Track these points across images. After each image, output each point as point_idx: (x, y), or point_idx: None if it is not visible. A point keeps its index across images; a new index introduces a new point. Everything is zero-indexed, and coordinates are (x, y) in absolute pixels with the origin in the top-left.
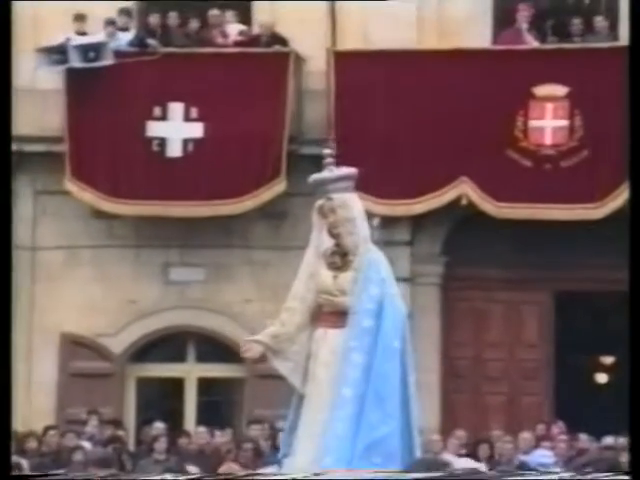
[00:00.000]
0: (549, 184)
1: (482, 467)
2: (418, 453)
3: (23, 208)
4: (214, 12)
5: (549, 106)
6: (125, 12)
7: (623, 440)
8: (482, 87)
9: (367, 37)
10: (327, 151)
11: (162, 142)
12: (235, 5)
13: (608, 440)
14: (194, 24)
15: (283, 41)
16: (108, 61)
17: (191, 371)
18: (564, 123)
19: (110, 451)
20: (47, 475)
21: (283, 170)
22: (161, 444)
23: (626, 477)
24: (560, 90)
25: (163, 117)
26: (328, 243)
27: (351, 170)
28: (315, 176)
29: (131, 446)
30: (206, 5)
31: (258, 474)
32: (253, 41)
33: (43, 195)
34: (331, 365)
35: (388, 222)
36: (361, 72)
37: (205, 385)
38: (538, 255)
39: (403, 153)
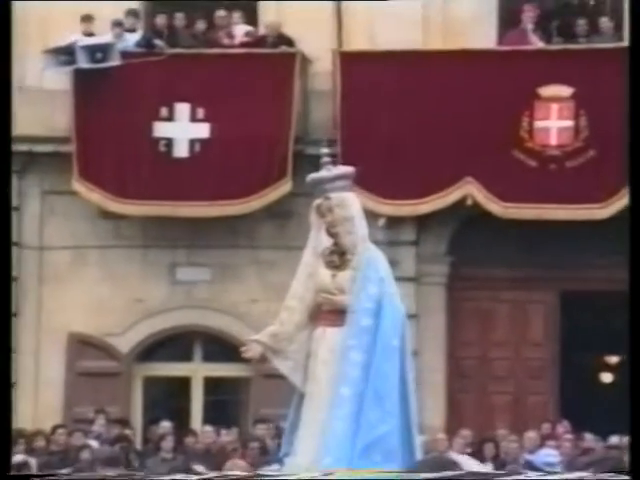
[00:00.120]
0: (554, 184)
1: (486, 468)
2: (418, 451)
3: (31, 208)
4: (221, 13)
5: (554, 106)
6: (132, 13)
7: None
8: (487, 88)
9: (373, 38)
10: (325, 150)
11: (169, 142)
12: (241, 6)
13: (613, 439)
14: (201, 25)
15: (289, 42)
16: (115, 62)
17: (198, 370)
18: (569, 123)
19: (117, 450)
20: (47, 475)
21: (289, 170)
22: (168, 443)
23: (626, 477)
24: (565, 91)
25: (170, 118)
26: (326, 242)
27: (349, 169)
28: (313, 175)
29: (138, 445)
30: (213, 6)
31: (266, 475)
32: (259, 42)
33: (51, 195)
34: (330, 364)
35: (394, 222)
36: (367, 73)
37: (211, 384)
38: (543, 255)
39: (408, 153)
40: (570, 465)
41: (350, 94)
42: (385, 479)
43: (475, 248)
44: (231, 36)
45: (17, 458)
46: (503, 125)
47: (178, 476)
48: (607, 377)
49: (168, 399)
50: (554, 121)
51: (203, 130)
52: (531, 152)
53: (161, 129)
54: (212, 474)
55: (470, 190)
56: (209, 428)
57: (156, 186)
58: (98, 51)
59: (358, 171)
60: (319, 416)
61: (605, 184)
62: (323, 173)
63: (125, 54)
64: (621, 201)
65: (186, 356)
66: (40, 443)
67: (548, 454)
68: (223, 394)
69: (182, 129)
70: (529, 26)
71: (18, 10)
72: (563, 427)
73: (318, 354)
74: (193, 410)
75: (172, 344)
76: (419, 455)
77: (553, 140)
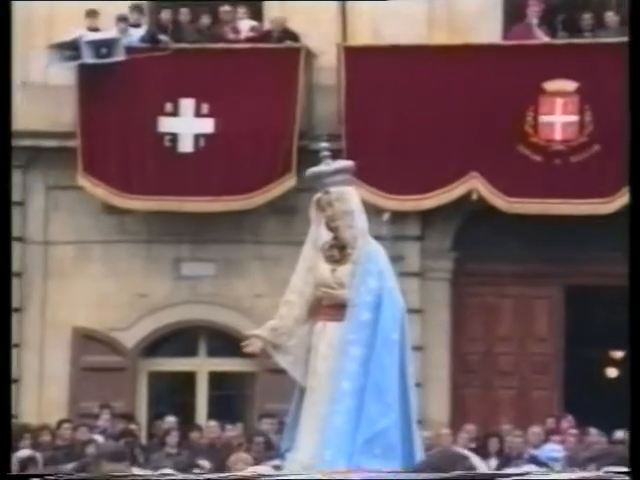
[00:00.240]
0: (559, 179)
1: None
2: (418, 444)
3: (35, 203)
4: (225, 8)
5: (559, 101)
6: (137, 8)
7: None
8: (492, 82)
9: (378, 32)
10: (324, 144)
11: (173, 138)
12: (246, 1)
13: (618, 434)
14: (205, 20)
15: (294, 37)
16: (120, 57)
17: (202, 365)
18: (574, 118)
19: (122, 445)
20: (46, 475)
21: (294, 165)
22: (173, 438)
23: (626, 477)
24: (570, 85)
25: (174, 113)
26: (326, 236)
27: (348, 163)
28: (312, 169)
29: (143, 440)
30: (217, 1)
31: (266, 475)
32: (264, 37)
33: (55, 190)
34: (330, 358)
35: (398, 217)
36: (372, 67)
37: (216, 379)
38: (548, 249)
39: (413, 148)
40: (574, 460)
41: (355, 89)
42: (387, 479)
43: (480, 243)
44: (236, 31)
45: (23, 453)
46: (508, 120)
47: (179, 475)
48: (612, 372)
49: (173, 394)
50: (559, 116)
51: (208, 125)
52: (536, 147)
53: (166, 124)
54: (213, 475)
55: (475, 185)
56: (214, 423)
57: (161, 181)
58: (103, 46)
59: (358, 165)
60: (320, 410)
61: (610, 179)
62: (322, 167)
63: (130, 49)
64: (626, 196)
65: (191, 351)
66: (46, 438)
67: (553, 449)
68: (228, 389)
69: (187, 124)
70: (534, 21)
71: (23, 6)
72: (568, 422)
73: (318, 348)
74: (198, 405)
75: (177, 339)
76: (419, 449)
77: (558, 135)
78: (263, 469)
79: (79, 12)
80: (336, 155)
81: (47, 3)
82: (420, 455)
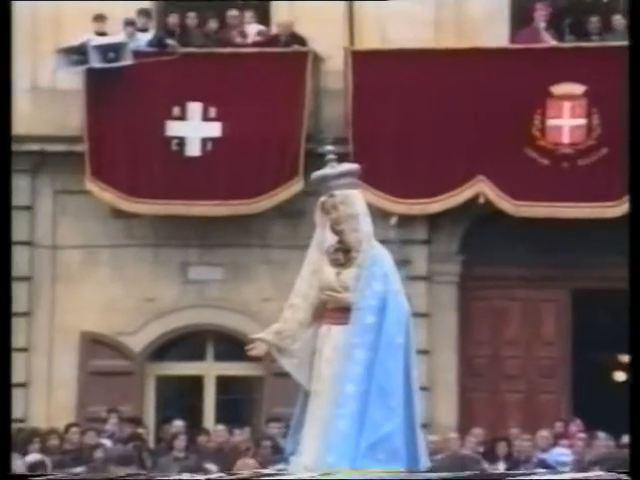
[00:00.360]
0: (567, 183)
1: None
2: (422, 449)
3: (43, 207)
4: (233, 12)
5: (567, 105)
6: (144, 13)
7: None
8: (499, 86)
9: (385, 36)
10: (329, 147)
11: (181, 142)
12: (254, 5)
13: (626, 438)
14: (213, 24)
15: (301, 41)
16: (127, 61)
17: (210, 369)
18: (582, 122)
19: (130, 449)
20: (46, 475)
21: (301, 169)
22: (180, 442)
23: (626, 477)
24: (578, 89)
25: (182, 117)
26: (331, 240)
27: (353, 166)
28: (317, 173)
29: (151, 444)
30: (225, 5)
31: (266, 475)
32: (271, 41)
33: (63, 194)
34: (334, 362)
35: (405, 221)
36: (379, 71)
37: (224, 383)
38: (555, 253)
39: (420, 152)
40: (582, 464)
41: (362, 93)
42: (391, 479)
43: (487, 247)
44: (243, 35)
45: (32, 457)
46: (515, 123)
47: (185, 476)
48: (620, 376)
49: (180, 398)
50: (566, 119)
51: (215, 129)
52: (543, 150)
53: (173, 128)
54: (214, 475)
55: (482, 188)
56: (221, 427)
57: (168, 185)
58: (110, 51)
59: (363, 168)
60: (324, 414)
61: (617, 182)
62: (327, 170)
63: (137, 53)
64: None
65: (198, 355)
66: (54, 442)
67: (561, 453)
68: (235, 393)
69: (194, 128)
70: (541, 24)
71: (30, 11)
72: (576, 426)
73: (323, 352)
74: (205, 409)
75: (184, 343)
76: (423, 453)
77: (565, 138)
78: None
79: (86, 17)
80: (343, 159)
81: (54, 8)
82: (425, 460)
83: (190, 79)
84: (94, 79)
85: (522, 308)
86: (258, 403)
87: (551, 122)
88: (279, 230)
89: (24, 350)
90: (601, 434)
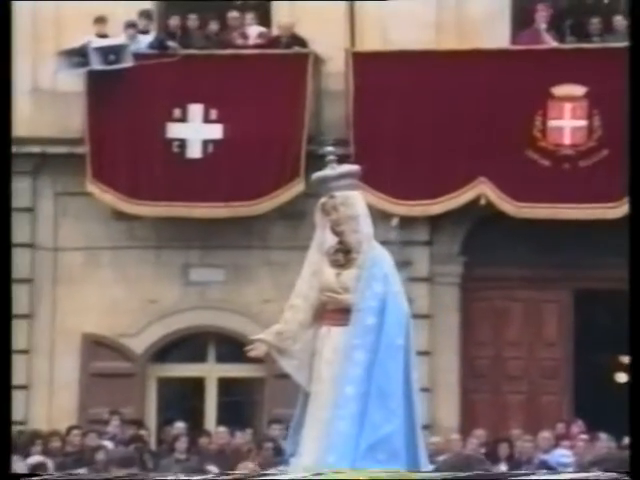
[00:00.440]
0: (568, 184)
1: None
2: (422, 450)
3: (44, 209)
4: (233, 14)
5: (568, 106)
6: (145, 14)
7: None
8: (500, 87)
9: (386, 38)
10: (329, 149)
11: (182, 143)
12: (254, 7)
13: (628, 440)
14: (213, 26)
15: (302, 42)
16: (128, 63)
17: (211, 371)
18: (583, 123)
19: (132, 451)
20: (45, 475)
21: (302, 171)
22: (182, 444)
23: (626, 477)
24: (579, 90)
25: (183, 119)
26: (331, 241)
27: (353, 167)
28: (317, 174)
29: (152, 445)
30: (225, 7)
31: (262, 475)
32: (272, 42)
33: (64, 196)
34: (334, 363)
35: (407, 222)
36: (380, 73)
37: (225, 385)
38: (557, 254)
39: (421, 153)
40: (583, 465)
41: (363, 94)
42: (388, 479)
43: (489, 248)
44: (244, 37)
45: (33, 459)
46: (516, 125)
47: (183, 477)
48: (622, 377)
49: (182, 400)
50: (567, 120)
51: (216, 131)
52: (544, 152)
53: (174, 130)
54: (214, 475)
55: (483, 190)
56: (223, 429)
57: (169, 187)
58: (111, 53)
59: (363, 170)
60: (323, 415)
61: (618, 183)
62: (328, 171)
63: (138, 55)
64: None
65: (200, 357)
66: (56, 444)
67: (562, 454)
68: (237, 395)
69: (195, 130)
70: (542, 25)
71: (31, 13)
72: (578, 427)
73: (323, 353)
74: (207, 411)
75: (186, 345)
76: (423, 454)
77: (566, 139)
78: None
79: (87, 18)
80: (344, 160)
81: (55, 9)
82: (425, 461)
83: (191, 81)
84: (95, 81)
85: (524, 309)
86: (260, 405)
87: (552, 123)
88: (280, 232)
89: (25, 352)
90: (603, 435)
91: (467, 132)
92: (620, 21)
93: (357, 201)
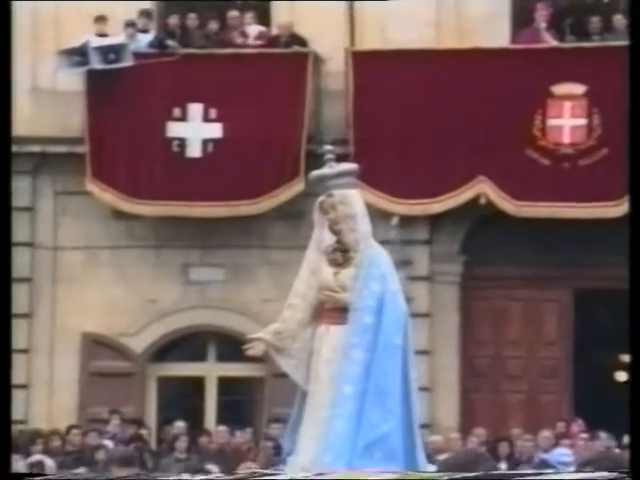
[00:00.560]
0: (567, 183)
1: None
2: (420, 450)
3: (44, 208)
4: (233, 13)
5: (567, 105)
6: (145, 14)
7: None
8: (500, 86)
9: (385, 37)
10: (328, 147)
11: (182, 143)
12: (254, 6)
13: (627, 439)
14: (213, 25)
15: (302, 42)
16: (128, 62)
17: (211, 370)
18: (582, 122)
19: (132, 450)
20: (46, 475)
21: (302, 170)
22: (182, 443)
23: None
24: (578, 89)
25: (183, 118)
26: (329, 240)
27: (352, 166)
28: (315, 172)
29: (153, 445)
30: (225, 6)
31: (262, 475)
32: (272, 42)
33: (64, 195)
34: (332, 362)
35: (407, 221)
36: (379, 72)
37: (225, 384)
38: (557, 253)
39: (421, 152)
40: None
41: (363, 93)
42: (398, 478)
43: (488, 247)
44: (244, 36)
45: (33, 458)
46: (516, 123)
47: (184, 476)
48: (622, 376)
49: (182, 399)
50: (567, 119)
51: (216, 130)
52: (544, 150)
53: (174, 129)
54: (212, 476)
55: (483, 189)
56: (223, 428)
57: (169, 186)
58: (111, 52)
59: (362, 168)
60: (321, 414)
61: (618, 182)
62: (326, 170)
63: (138, 55)
64: None
65: (200, 356)
66: (56, 443)
67: (563, 453)
68: (237, 394)
69: (195, 129)
70: (542, 24)
71: (30, 12)
72: (578, 426)
73: (321, 352)
74: (207, 410)
75: (186, 344)
76: (421, 454)
77: (566, 138)
78: None
79: (87, 18)
80: (344, 159)
81: (54, 9)
82: (423, 460)
83: (191, 80)
84: (95, 80)
85: (523, 308)
86: (259, 404)
87: (552, 122)
88: (280, 231)
89: (25, 351)
90: (602, 434)
91: (467, 131)
92: (620, 20)
93: (355, 200)
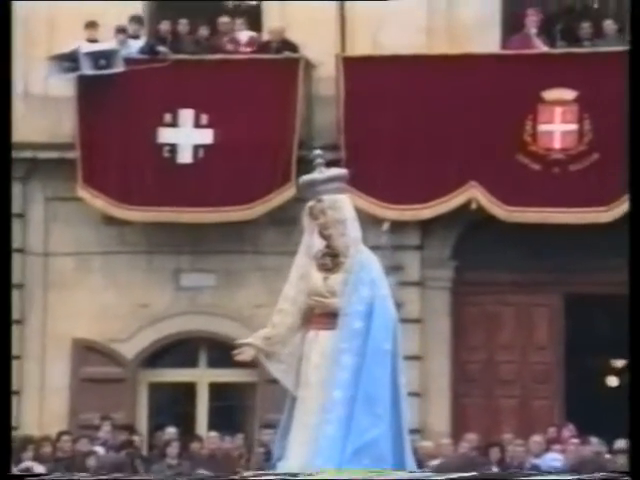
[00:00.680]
0: (558, 188)
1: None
2: (409, 455)
3: (35, 214)
4: (224, 19)
5: (558, 110)
6: (136, 19)
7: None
8: (491, 91)
9: (377, 42)
10: (317, 152)
11: (173, 148)
12: (245, 12)
13: (619, 443)
14: (204, 31)
15: (293, 47)
16: (119, 68)
17: (203, 376)
18: (573, 127)
19: (123, 456)
20: (45, 475)
21: (293, 175)
22: (173, 449)
23: (626, 477)
24: (569, 94)
25: (174, 124)
26: (319, 245)
27: (341, 171)
28: (305, 177)
29: (144, 451)
30: (216, 12)
31: (251, 476)
32: (263, 47)
33: (55, 201)
34: (321, 367)
35: (398, 227)
36: (371, 77)
37: (217, 390)
38: (548, 258)
39: (412, 158)
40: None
41: (354, 99)
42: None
43: (479, 252)
44: (235, 42)
45: (24, 464)
46: (507, 129)
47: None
48: (613, 381)
49: (173, 405)
50: (558, 125)
51: (207, 136)
52: (535, 156)
53: (165, 135)
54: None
55: (474, 194)
56: (214, 434)
57: (160, 192)
58: (102, 58)
59: (352, 173)
60: (310, 420)
61: (609, 187)
62: (315, 175)
63: (129, 60)
64: (625, 204)
65: (191, 362)
66: (47, 450)
67: (554, 458)
68: (228, 400)
69: (186, 135)
70: (533, 30)
71: (23, 18)
72: (569, 431)
73: (310, 357)
74: (198, 416)
75: (177, 350)
76: (410, 459)
77: (557, 144)
78: None
79: (79, 23)
80: (335, 165)
81: (46, 14)
82: (412, 465)
83: (182, 86)
84: (86, 86)
85: (515, 313)
86: (251, 410)
87: (542, 127)
88: (271, 237)
89: (16, 358)
90: (594, 439)
91: (458, 136)
92: (610, 25)
93: (345, 205)
